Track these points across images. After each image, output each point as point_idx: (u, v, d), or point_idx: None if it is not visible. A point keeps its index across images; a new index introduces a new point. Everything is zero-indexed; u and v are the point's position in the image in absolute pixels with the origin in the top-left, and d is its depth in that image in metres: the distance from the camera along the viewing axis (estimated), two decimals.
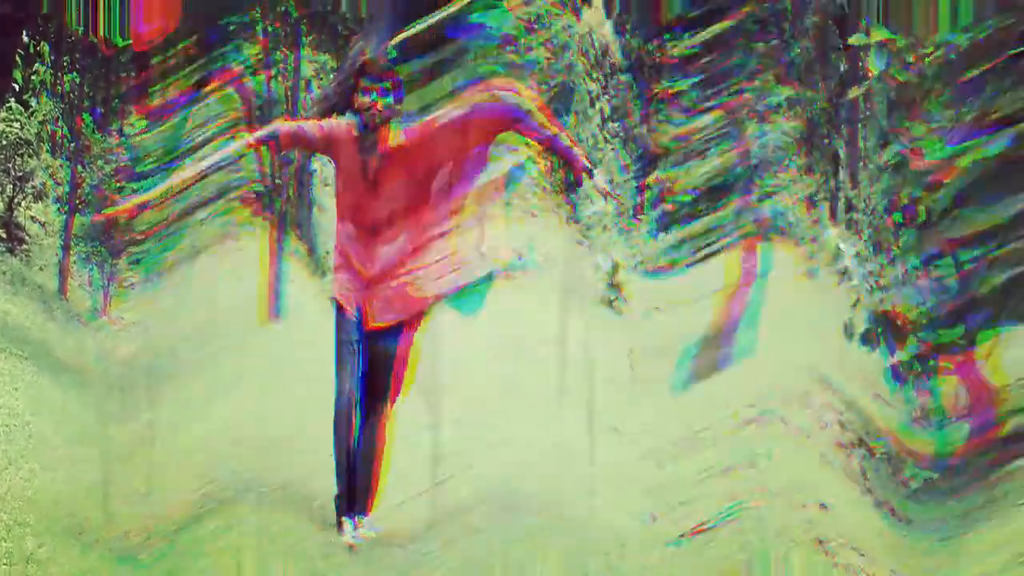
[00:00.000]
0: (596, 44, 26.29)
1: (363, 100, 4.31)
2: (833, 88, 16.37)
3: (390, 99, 4.33)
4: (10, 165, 10.50)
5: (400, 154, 4.34)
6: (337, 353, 4.32)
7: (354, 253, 4.37)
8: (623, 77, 31.21)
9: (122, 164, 10.80)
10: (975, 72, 7.47)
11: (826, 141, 13.45)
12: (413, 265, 4.36)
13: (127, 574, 3.81)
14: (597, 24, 31.91)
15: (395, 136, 4.37)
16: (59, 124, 14.42)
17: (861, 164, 14.18)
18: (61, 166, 12.22)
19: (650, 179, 26.22)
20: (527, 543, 4.21)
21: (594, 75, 21.31)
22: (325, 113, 4.39)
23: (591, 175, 4.34)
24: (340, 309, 4.38)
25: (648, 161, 27.60)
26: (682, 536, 4.64)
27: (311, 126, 4.38)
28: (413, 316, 4.37)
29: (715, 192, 24.10)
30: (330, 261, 4.89)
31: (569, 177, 11.13)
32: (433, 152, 4.36)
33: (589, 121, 22.00)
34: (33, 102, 13.85)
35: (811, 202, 13.28)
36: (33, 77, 14.08)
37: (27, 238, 10.58)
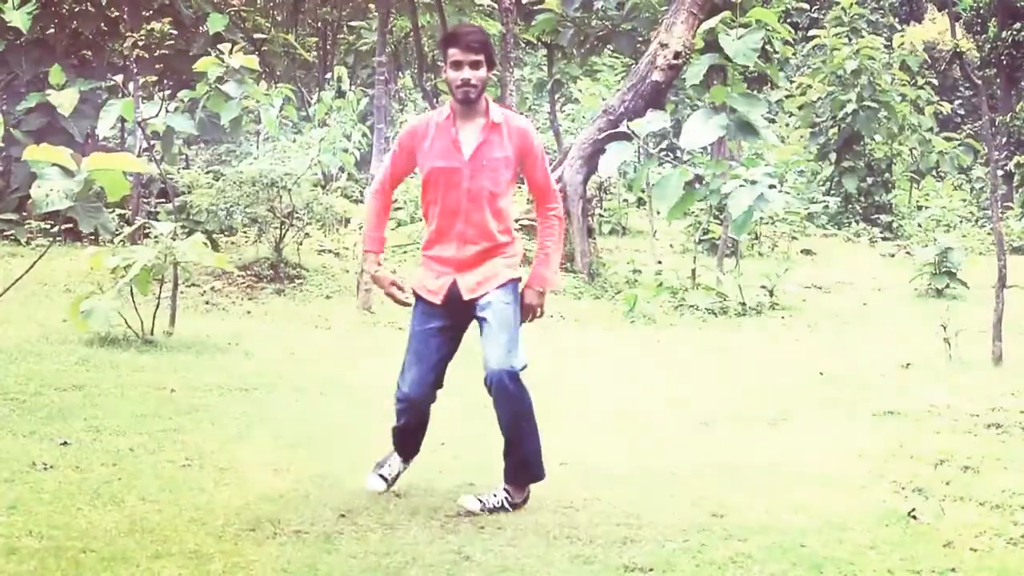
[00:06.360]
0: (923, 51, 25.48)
1: (454, 75, 4.10)
2: None
3: (483, 72, 4.10)
4: (274, 203, 10.04)
5: (499, 132, 4.19)
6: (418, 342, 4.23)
7: (448, 234, 4.18)
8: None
9: None
10: None
11: None
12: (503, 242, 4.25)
13: None
14: (940, 32, 30.50)
15: (496, 112, 4.20)
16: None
17: None
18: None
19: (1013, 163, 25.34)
20: None
21: (918, 82, 20.93)
22: None
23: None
24: (419, 300, 4.26)
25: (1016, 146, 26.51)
26: None
27: (393, 155, 4.29)
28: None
29: None
30: None
31: None
32: (514, 147, 4.22)
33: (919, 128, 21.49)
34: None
35: None
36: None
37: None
